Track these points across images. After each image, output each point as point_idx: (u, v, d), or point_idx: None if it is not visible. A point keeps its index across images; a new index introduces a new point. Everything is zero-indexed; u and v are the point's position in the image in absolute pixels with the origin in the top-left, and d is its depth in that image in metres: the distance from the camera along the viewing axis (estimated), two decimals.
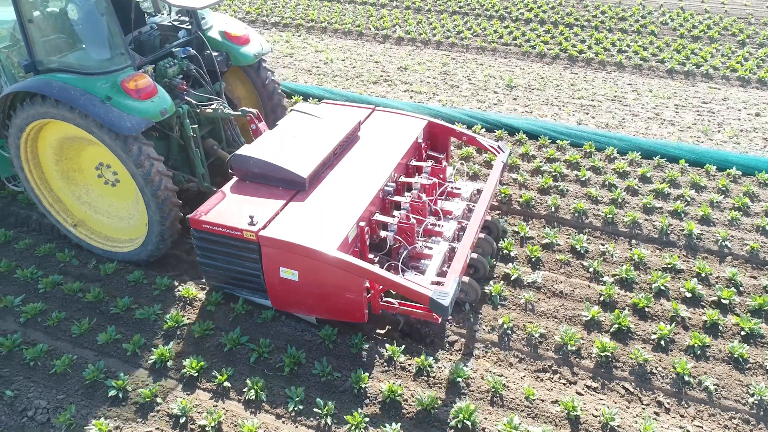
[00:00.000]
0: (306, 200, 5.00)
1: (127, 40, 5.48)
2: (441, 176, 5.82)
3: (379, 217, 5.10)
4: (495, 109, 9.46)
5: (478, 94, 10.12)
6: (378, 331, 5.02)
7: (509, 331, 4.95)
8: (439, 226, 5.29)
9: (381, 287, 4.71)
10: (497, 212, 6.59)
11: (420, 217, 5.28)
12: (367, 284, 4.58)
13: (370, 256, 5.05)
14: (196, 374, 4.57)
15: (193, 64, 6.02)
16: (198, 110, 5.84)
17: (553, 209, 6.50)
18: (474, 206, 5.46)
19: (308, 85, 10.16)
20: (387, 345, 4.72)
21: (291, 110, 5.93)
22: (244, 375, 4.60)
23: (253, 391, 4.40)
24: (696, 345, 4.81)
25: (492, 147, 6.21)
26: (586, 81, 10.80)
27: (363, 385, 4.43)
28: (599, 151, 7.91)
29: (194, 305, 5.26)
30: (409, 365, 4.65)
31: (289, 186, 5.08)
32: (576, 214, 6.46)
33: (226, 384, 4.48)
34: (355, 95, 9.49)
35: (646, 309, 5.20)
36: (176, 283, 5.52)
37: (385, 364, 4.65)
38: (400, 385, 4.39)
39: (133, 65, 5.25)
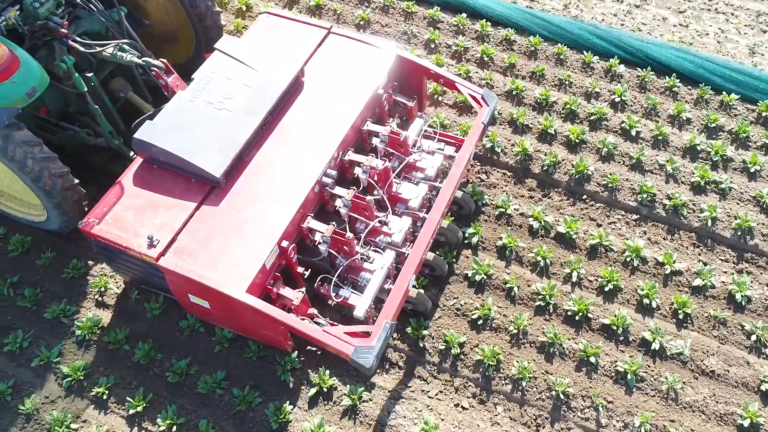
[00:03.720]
0: (221, 203, 4.12)
1: None
2: (401, 146, 4.63)
3: (311, 224, 4.21)
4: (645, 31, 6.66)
5: None
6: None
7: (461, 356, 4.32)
8: (387, 226, 4.37)
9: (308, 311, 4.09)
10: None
11: (364, 219, 4.34)
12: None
13: (300, 269, 4.24)
14: (105, 395, 4.19)
15: None
16: (92, 53, 4.60)
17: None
18: (439, 187, 4.45)
19: None
20: (317, 370, 4.18)
21: (214, 50, 4.68)
22: (160, 399, 4.20)
23: (168, 421, 4.00)
24: None
25: (473, 96, 4.85)
26: None
27: (281, 420, 4.02)
28: None
29: (109, 299, 4.67)
30: (340, 398, 4.18)
31: (202, 179, 4.17)
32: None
33: (139, 409, 4.09)
34: None
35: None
36: (90, 265, 4.87)
37: (314, 393, 4.15)
38: (321, 426, 3.97)
39: None
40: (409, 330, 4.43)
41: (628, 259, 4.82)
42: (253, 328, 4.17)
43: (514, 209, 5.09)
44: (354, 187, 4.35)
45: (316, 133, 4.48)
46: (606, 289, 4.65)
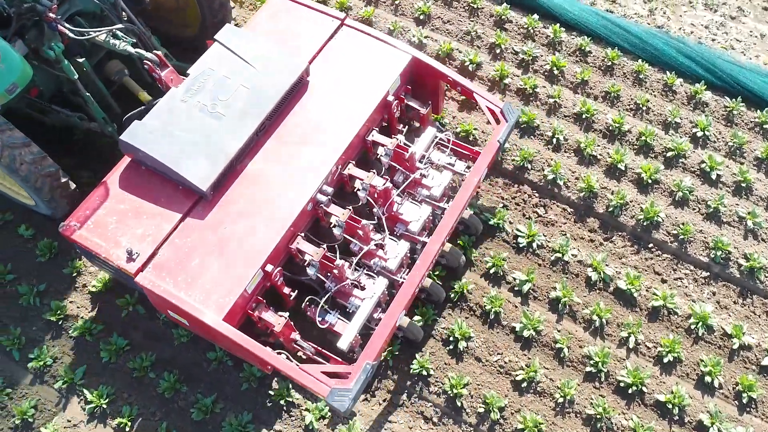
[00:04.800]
0: (207, 217, 3.86)
1: None
2: (407, 161, 4.23)
3: (301, 245, 3.92)
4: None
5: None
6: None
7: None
8: (383, 249, 4.07)
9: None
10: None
11: (358, 242, 4.05)
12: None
13: (287, 290, 4.01)
14: (128, 426, 4.07)
15: None
16: (84, 39, 4.33)
17: None
18: (444, 209, 4.15)
19: None
20: (347, 422, 3.99)
21: (214, 41, 4.29)
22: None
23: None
24: None
25: (491, 109, 4.37)
26: None
27: None
28: None
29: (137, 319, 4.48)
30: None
31: (189, 188, 3.91)
32: None
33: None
34: None
35: None
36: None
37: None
38: None
39: None
40: (446, 383, 4.15)
41: (692, 327, 4.40)
42: (232, 350, 4.01)
43: (572, 255, 4.67)
44: (350, 208, 4.04)
45: (315, 143, 4.15)
46: (665, 359, 4.27)
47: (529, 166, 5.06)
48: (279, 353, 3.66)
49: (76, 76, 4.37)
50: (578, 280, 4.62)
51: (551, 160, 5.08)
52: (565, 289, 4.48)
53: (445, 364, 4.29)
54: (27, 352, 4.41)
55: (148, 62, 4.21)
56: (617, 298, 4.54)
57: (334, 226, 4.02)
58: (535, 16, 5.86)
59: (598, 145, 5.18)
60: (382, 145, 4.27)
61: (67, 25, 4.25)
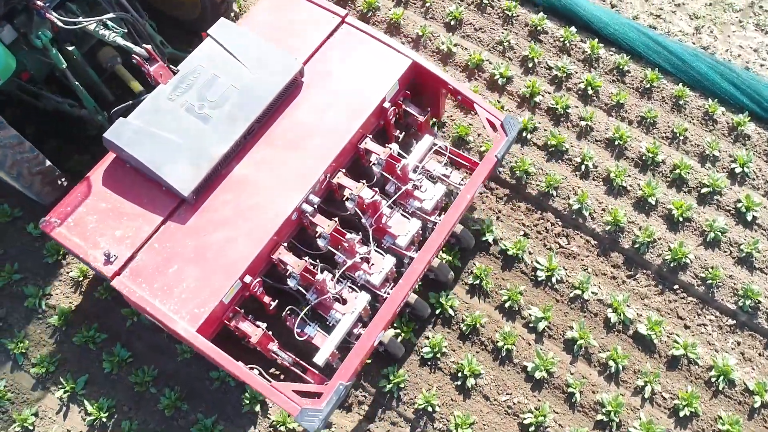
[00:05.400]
0: (188, 222, 3.77)
1: None
2: (399, 171, 4.05)
3: (283, 255, 3.81)
4: None
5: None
6: None
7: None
8: (368, 263, 3.94)
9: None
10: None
11: (342, 255, 3.93)
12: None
13: (267, 300, 3.90)
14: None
15: None
16: (75, 27, 4.19)
17: None
18: (435, 222, 4.03)
19: None
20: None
21: (207, 35, 4.14)
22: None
23: None
24: None
25: (491, 121, 4.16)
26: None
27: None
28: None
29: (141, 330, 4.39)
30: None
31: (172, 191, 3.81)
32: None
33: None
34: None
35: None
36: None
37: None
38: None
39: None
40: (451, 422, 4.03)
41: (712, 379, 4.21)
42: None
43: (592, 293, 4.47)
44: (336, 219, 3.91)
45: (305, 149, 4.00)
46: (681, 413, 4.10)
47: (555, 193, 4.84)
48: (252, 368, 3.61)
49: (64, 65, 4.28)
50: (596, 320, 4.43)
51: (578, 188, 4.85)
52: (582, 330, 4.30)
53: (452, 400, 4.17)
54: (30, 357, 4.38)
55: (136, 57, 4.06)
56: (636, 343, 4.36)
57: (319, 236, 3.90)
58: (573, 29, 5.54)
59: (629, 175, 4.92)
60: (375, 154, 4.12)
61: (54, 13, 4.12)
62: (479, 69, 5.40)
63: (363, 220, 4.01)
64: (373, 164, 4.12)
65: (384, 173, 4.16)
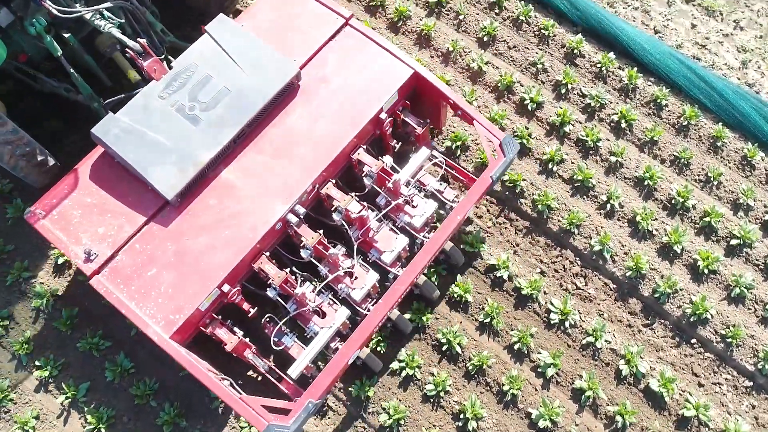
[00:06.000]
0: (171, 224, 3.74)
1: None
2: (391, 184, 3.96)
3: (264, 265, 3.77)
4: None
5: None
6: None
7: None
8: (351, 278, 3.89)
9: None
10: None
11: (326, 268, 3.89)
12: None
13: (246, 306, 3.85)
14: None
15: None
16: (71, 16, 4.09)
17: None
18: (424, 239, 3.99)
19: None
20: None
21: (204, 31, 4.06)
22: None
23: None
24: None
25: (490, 139, 4.02)
26: None
27: None
28: None
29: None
30: None
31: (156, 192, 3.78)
32: None
33: None
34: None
35: None
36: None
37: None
38: None
39: None
40: None
41: None
42: None
43: (606, 341, 4.34)
44: (320, 232, 3.85)
45: (295, 157, 3.92)
46: None
47: (576, 231, 4.67)
48: (223, 379, 3.61)
49: (60, 53, 4.20)
50: (607, 371, 4.30)
51: (601, 227, 4.67)
52: (591, 380, 4.18)
53: None
54: (34, 358, 4.39)
55: (130, 50, 3.98)
56: (647, 398, 4.23)
57: (303, 247, 3.85)
58: (612, 55, 5.28)
59: (656, 218, 4.72)
60: (367, 166, 4.03)
61: (49, 1, 4.00)
62: (509, 91, 5.19)
63: (350, 232, 3.95)
64: (365, 175, 4.04)
65: (375, 186, 4.08)
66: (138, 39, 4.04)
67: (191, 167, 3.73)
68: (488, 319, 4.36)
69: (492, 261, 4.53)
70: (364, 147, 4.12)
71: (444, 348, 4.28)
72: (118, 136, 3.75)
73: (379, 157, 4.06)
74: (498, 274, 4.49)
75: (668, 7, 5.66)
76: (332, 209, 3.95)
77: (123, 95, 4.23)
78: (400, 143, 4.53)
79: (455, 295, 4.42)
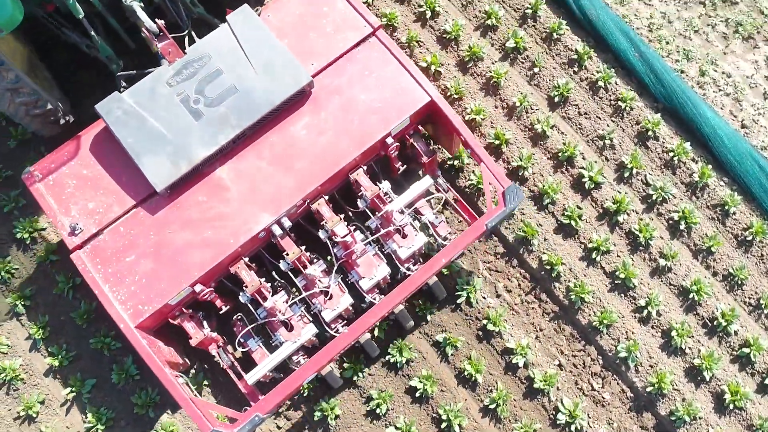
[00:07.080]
0: (158, 213, 3.78)
1: None
2: (384, 214, 3.93)
3: (241, 270, 3.79)
4: None
5: None
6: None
7: None
8: (326, 297, 3.90)
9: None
10: None
11: (303, 282, 3.94)
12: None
13: (219, 303, 3.95)
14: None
15: None
16: None
17: None
18: (407, 272, 3.97)
19: None
20: None
21: (226, 19, 4.00)
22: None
23: None
24: None
25: (494, 185, 3.88)
26: None
27: None
28: None
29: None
30: None
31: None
32: None
33: None
34: None
35: None
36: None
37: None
38: None
39: None
40: None
41: None
42: None
43: None
44: (302, 248, 3.89)
45: (291, 168, 3.89)
46: None
47: (605, 331, 4.46)
48: (178, 377, 3.69)
49: (82, 15, 4.09)
50: None
51: (632, 333, 4.45)
52: None
53: None
54: (48, 345, 4.50)
55: (146, 31, 3.94)
56: None
57: (282, 258, 3.87)
58: (688, 145, 4.91)
59: (693, 336, 4.47)
60: (363, 188, 3.97)
61: None
62: (569, 162, 4.90)
63: (334, 251, 3.94)
64: (360, 196, 3.99)
65: (368, 210, 4.04)
66: (156, 20, 3.98)
67: (185, 163, 3.75)
68: (494, 405, 4.26)
69: (511, 344, 4.39)
70: (364, 168, 4.05)
71: (443, 425, 4.21)
72: (120, 117, 3.79)
73: (378, 182, 4.01)
74: (514, 360, 4.35)
75: (763, 100, 5.20)
76: (320, 225, 3.95)
77: (134, 72, 4.22)
78: (405, 166, 4.42)
79: (466, 373, 4.31)
